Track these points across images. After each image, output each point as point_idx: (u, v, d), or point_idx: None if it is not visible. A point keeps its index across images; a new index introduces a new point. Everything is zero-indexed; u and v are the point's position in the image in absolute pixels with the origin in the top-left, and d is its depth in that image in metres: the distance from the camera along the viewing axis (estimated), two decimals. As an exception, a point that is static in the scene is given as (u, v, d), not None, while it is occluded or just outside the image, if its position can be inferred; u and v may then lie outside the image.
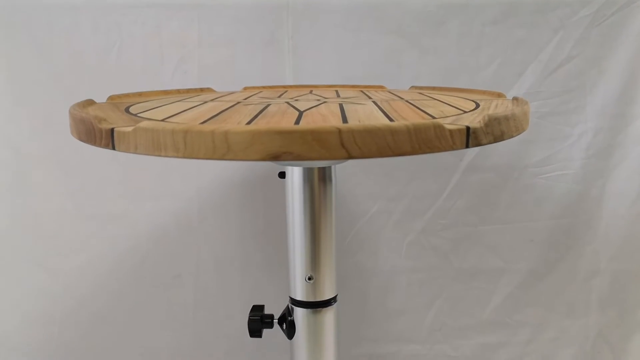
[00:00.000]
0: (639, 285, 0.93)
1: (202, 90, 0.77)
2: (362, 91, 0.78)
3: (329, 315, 0.62)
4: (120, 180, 0.91)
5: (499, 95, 0.63)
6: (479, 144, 0.40)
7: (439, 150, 0.38)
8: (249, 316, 0.62)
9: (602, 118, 0.95)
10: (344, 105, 0.53)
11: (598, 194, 0.95)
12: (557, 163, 0.96)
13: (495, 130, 0.41)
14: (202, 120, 0.43)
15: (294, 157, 0.35)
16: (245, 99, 0.62)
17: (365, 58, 0.92)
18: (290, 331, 0.61)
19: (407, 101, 0.57)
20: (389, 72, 0.93)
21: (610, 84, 0.94)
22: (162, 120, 0.44)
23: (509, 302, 0.94)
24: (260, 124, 0.40)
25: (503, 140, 0.43)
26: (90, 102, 0.56)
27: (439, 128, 0.37)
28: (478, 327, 0.95)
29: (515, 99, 0.56)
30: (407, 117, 0.46)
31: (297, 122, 0.43)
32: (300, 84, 0.88)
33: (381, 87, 0.83)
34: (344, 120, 0.43)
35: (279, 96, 0.67)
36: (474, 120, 0.41)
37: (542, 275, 0.94)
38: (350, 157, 0.35)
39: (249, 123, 0.42)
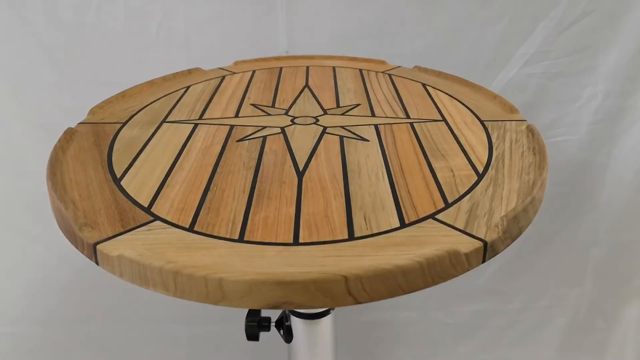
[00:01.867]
0: (636, 256, 0.93)
1: (190, 72, 0.71)
2: (360, 73, 0.72)
3: (326, 323, 0.62)
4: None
5: (511, 110, 0.58)
6: (496, 254, 0.37)
7: (454, 277, 0.35)
8: (246, 322, 0.62)
9: (613, 80, 0.90)
10: (345, 150, 0.49)
11: (603, 161, 0.93)
12: (563, 127, 0.93)
13: (513, 231, 0.38)
14: (193, 208, 0.39)
15: (295, 306, 0.32)
16: (239, 118, 0.56)
17: (364, 13, 0.85)
18: (287, 337, 0.61)
19: (413, 133, 0.52)
20: (391, 31, 0.86)
21: (624, 44, 0.88)
22: (152, 198, 0.40)
23: (505, 270, 0.95)
24: (255, 231, 0.36)
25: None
26: (66, 142, 0.51)
27: (454, 256, 0.34)
28: (473, 294, 0.96)
29: (530, 130, 0.52)
30: (416, 188, 0.42)
31: (297, 210, 0.39)
32: (296, 55, 0.81)
33: (382, 62, 0.76)
34: (348, 207, 0.39)
35: (274, 97, 0.62)
36: (490, 219, 0.37)
37: (539, 243, 0.93)
38: (357, 303, 0.32)
39: (244, 218, 0.38)
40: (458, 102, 0.62)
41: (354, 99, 0.62)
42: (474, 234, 0.36)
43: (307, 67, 0.75)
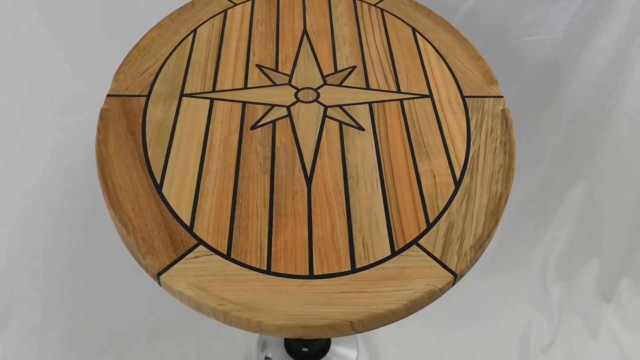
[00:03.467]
0: (589, 144, 1.06)
1: (192, 5, 0.74)
2: (354, 4, 0.76)
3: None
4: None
5: (491, 82, 0.65)
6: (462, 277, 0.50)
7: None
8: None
9: (595, -16, 0.94)
10: (345, 146, 0.58)
11: (574, 60, 1.00)
12: (541, 27, 0.98)
13: (477, 256, 0.51)
14: (227, 228, 0.49)
15: (313, 337, 0.46)
16: (249, 90, 0.63)
17: None
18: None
19: (403, 118, 0.61)
20: None
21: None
22: (192, 214, 0.50)
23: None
24: (279, 260, 0.48)
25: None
26: (104, 130, 0.58)
27: (432, 293, 0.47)
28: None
29: (504, 116, 0.60)
30: (404, 201, 0.52)
31: (310, 231, 0.50)
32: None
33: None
34: (350, 229, 0.51)
35: (276, 54, 0.68)
36: (461, 246, 0.49)
37: None
38: (356, 333, 0.46)
39: (269, 241, 0.49)
40: (444, 65, 0.68)
41: (350, 58, 0.68)
42: (447, 265, 0.48)
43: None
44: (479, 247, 0.49)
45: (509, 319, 1.07)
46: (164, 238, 0.49)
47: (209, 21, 0.72)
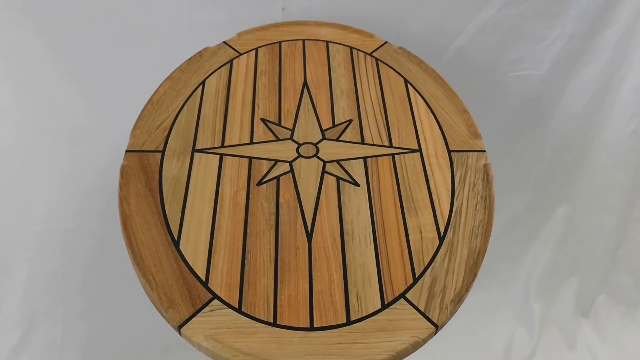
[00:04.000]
0: (572, 171, 1.13)
1: (200, 56, 0.81)
2: (351, 53, 0.83)
3: None
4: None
5: (475, 136, 0.71)
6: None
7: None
8: None
9: (580, 23, 1.00)
10: (342, 202, 0.65)
11: (558, 93, 1.07)
12: (527, 63, 1.05)
13: (456, 308, 0.58)
14: (238, 283, 0.56)
15: None
16: (254, 145, 0.70)
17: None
18: None
19: (394, 173, 0.67)
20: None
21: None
22: (206, 269, 0.57)
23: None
24: (284, 313, 0.55)
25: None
26: (125, 188, 0.65)
27: (416, 344, 0.54)
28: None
29: (486, 171, 0.67)
30: (394, 256, 0.59)
31: (310, 286, 0.57)
32: (291, 22, 0.89)
33: (370, 35, 0.86)
34: (345, 284, 0.58)
35: (279, 107, 0.75)
36: (443, 299, 0.56)
37: (491, 156, 1.12)
38: None
39: (274, 295, 0.57)
40: (433, 118, 0.75)
41: (346, 111, 0.75)
42: (430, 317, 0.55)
43: (304, 42, 0.84)
44: (458, 300, 0.56)
45: (493, 333, 1.14)
46: (183, 292, 0.56)
47: (216, 72, 0.79)
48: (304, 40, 0.84)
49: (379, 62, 0.81)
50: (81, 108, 1.00)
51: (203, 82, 0.77)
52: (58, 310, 1.07)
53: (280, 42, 0.83)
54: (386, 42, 0.85)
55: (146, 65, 0.91)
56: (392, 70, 0.81)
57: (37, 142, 1.01)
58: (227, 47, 0.82)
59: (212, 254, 0.59)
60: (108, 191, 0.99)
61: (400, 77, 0.80)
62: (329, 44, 0.84)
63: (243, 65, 0.80)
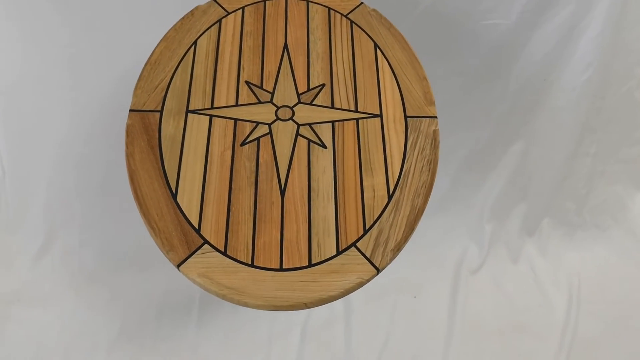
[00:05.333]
0: (528, 110, 1.26)
1: (192, 14, 0.91)
2: (329, 14, 0.92)
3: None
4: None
5: (429, 102, 0.83)
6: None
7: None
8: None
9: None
10: (310, 162, 0.79)
11: (522, 42, 1.18)
12: (497, 13, 1.14)
13: (395, 254, 0.74)
14: (224, 231, 0.71)
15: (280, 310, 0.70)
16: (239, 107, 0.82)
17: None
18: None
19: (357, 137, 0.81)
20: None
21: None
22: (199, 218, 0.72)
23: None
24: (260, 256, 0.70)
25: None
26: (131, 145, 0.79)
27: (361, 283, 0.71)
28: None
29: (434, 137, 0.81)
30: (350, 211, 0.74)
31: (281, 235, 0.73)
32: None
33: (349, -4, 0.95)
34: (309, 233, 0.73)
35: (261, 69, 0.86)
36: (385, 248, 0.72)
37: (456, 99, 1.24)
38: (308, 308, 0.71)
39: (253, 242, 0.72)
40: (396, 84, 0.87)
41: (320, 75, 0.86)
42: (374, 262, 0.71)
43: (286, 1, 0.94)
44: (397, 249, 0.72)
45: (448, 249, 1.33)
46: (180, 238, 0.71)
47: (206, 33, 0.89)
48: (285, 1, 0.93)
49: (353, 25, 0.91)
50: (84, 43, 1.10)
51: (195, 43, 0.87)
52: (75, 220, 1.24)
53: (264, 1, 0.93)
54: (362, 3, 0.94)
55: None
56: (365, 34, 0.91)
57: (45, 74, 1.11)
58: (217, 5, 0.92)
59: (204, 206, 0.73)
60: (114, 118, 1.12)
61: (371, 41, 0.90)
62: (309, 3, 0.93)
63: (230, 26, 0.90)
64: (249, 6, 0.92)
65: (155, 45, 0.90)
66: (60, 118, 1.15)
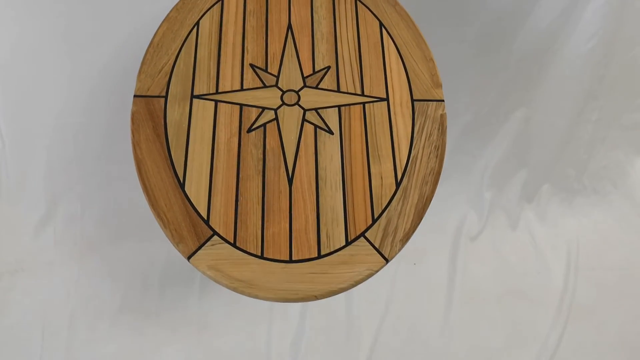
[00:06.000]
0: (532, 77, 1.25)
1: None
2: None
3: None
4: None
5: (436, 85, 0.82)
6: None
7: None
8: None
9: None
10: (318, 149, 0.79)
11: (527, 10, 1.16)
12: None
13: (404, 243, 0.75)
14: (232, 222, 0.72)
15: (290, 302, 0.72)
16: (245, 92, 0.80)
17: None
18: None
19: (363, 122, 0.81)
20: None
21: None
22: (207, 209, 0.72)
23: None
24: (269, 248, 0.71)
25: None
26: (137, 133, 0.78)
27: (370, 274, 0.72)
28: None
29: (442, 121, 0.80)
30: (358, 199, 0.75)
31: (290, 225, 0.74)
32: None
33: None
34: (318, 223, 0.74)
35: (265, 51, 0.84)
36: (394, 238, 0.73)
37: (461, 65, 1.23)
38: (317, 300, 0.72)
39: (262, 233, 0.73)
40: (402, 65, 0.85)
41: (325, 57, 0.85)
42: (383, 252, 0.72)
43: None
44: (406, 239, 0.73)
45: (448, 216, 1.34)
46: (190, 229, 0.71)
47: (208, 12, 0.86)
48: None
49: (358, 3, 0.89)
50: (80, 11, 1.07)
51: (197, 23, 0.85)
52: (76, 188, 1.24)
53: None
54: (366, -25, 0.91)
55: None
56: (369, 12, 0.89)
57: (41, 45, 1.09)
58: (217, -18, 0.89)
59: (212, 197, 0.73)
60: (110, 88, 1.11)
61: (376, 20, 0.88)
62: (314, -10, 0.90)
63: (233, 4, 0.87)
64: (251, -18, 0.89)
65: (152, 17, 0.88)
66: (58, 88, 1.13)
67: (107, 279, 1.23)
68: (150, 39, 0.83)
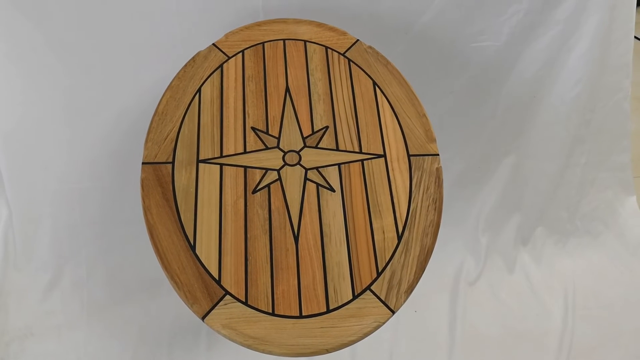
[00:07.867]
0: (521, 126, 1.30)
1: (194, 61, 0.93)
2: (326, 54, 0.95)
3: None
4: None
5: (430, 140, 0.86)
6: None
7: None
8: None
9: (535, 1, 1.13)
10: (321, 206, 0.82)
11: (512, 61, 1.21)
12: (487, 35, 1.18)
13: (408, 296, 0.78)
14: (243, 281, 0.74)
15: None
16: (248, 154, 0.84)
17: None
18: None
19: (363, 179, 0.84)
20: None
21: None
22: (218, 269, 0.74)
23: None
24: (280, 305, 0.73)
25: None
26: (147, 199, 0.81)
27: (377, 326, 0.74)
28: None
29: (438, 175, 0.84)
30: (362, 253, 0.78)
31: (298, 282, 0.76)
32: (271, 20, 1.00)
33: (344, 33, 0.98)
34: (325, 279, 0.76)
35: (266, 115, 0.88)
36: (399, 290, 0.75)
37: (453, 115, 1.28)
38: (328, 353, 0.74)
39: (272, 290, 0.76)
40: (396, 122, 0.90)
41: (323, 117, 0.89)
42: (389, 304, 0.75)
43: (284, 43, 0.96)
44: (410, 290, 0.76)
45: (446, 262, 1.37)
46: (203, 290, 0.74)
47: (209, 79, 0.91)
48: (284, 41, 0.95)
49: (351, 64, 0.94)
50: (83, 83, 1.12)
51: (199, 90, 0.90)
52: (82, 252, 1.26)
53: (263, 43, 0.95)
54: (357, 40, 0.97)
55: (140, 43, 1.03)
56: (362, 72, 0.94)
57: (44, 115, 1.13)
58: (217, 50, 0.94)
59: (222, 257, 0.76)
60: (112, 153, 1.14)
61: (370, 79, 0.93)
62: (307, 43, 0.96)
63: (232, 71, 0.92)
64: (249, 49, 0.94)
65: (152, 85, 0.93)
66: (62, 155, 1.17)
67: (116, 340, 1.24)
68: (151, 105, 0.87)
